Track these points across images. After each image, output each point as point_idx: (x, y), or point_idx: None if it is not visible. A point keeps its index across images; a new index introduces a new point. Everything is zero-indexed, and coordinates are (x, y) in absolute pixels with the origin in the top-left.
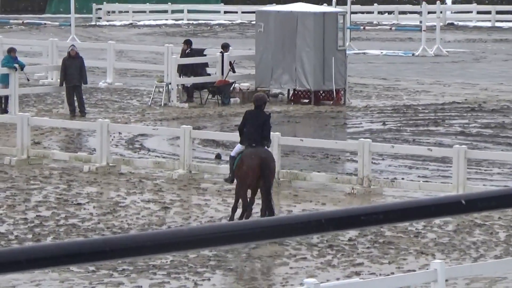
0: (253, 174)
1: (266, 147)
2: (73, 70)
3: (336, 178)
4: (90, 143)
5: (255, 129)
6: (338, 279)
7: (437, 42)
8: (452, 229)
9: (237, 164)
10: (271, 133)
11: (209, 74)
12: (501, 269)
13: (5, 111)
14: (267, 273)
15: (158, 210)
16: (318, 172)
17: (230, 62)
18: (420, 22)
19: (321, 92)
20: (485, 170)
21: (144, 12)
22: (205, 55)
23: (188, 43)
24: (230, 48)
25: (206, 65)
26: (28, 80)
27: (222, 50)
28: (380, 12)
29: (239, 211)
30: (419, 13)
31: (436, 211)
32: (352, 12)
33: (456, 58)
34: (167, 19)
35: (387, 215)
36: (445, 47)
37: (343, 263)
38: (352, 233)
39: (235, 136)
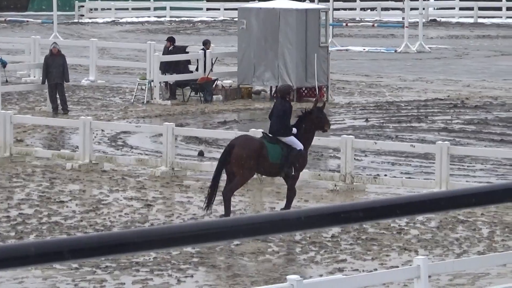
0: (220, 160)
1: (278, 137)
2: (55, 68)
3: (319, 174)
4: (72, 141)
5: (274, 119)
6: (321, 275)
7: (419, 38)
8: (435, 225)
9: None
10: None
11: (191, 71)
12: (484, 265)
13: None
14: (250, 269)
15: (141, 208)
16: None
17: (211, 60)
18: (403, 18)
19: (304, 89)
20: (468, 166)
21: (127, 9)
22: (187, 52)
23: (171, 40)
24: (212, 45)
25: (189, 62)
26: (6, 81)
27: (203, 46)
28: (362, 9)
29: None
30: (402, 9)
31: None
32: (334, 9)
33: (439, 55)
34: (149, 16)
35: (367, 212)
36: (428, 44)
37: (326, 259)
38: (335, 229)
39: (218, 133)
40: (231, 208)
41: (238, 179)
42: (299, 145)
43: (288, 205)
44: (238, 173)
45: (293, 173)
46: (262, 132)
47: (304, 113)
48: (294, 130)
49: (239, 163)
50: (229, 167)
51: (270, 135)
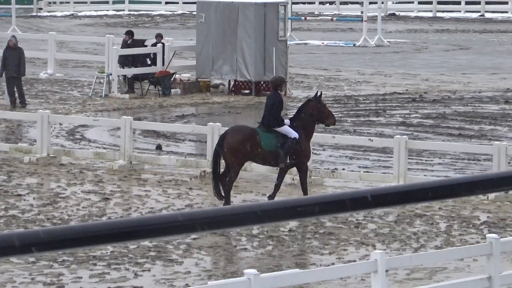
0: (215, 151)
1: (272, 127)
2: (11, 61)
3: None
4: (30, 134)
5: (266, 109)
6: (279, 270)
7: (378, 32)
8: (392, 219)
9: None
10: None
11: (150, 65)
12: (441, 259)
13: None
14: (208, 263)
15: (99, 201)
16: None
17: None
18: (361, 12)
19: (262, 83)
20: (426, 161)
21: (85, 2)
22: (146, 46)
23: (129, 34)
24: (166, 38)
25: (147, 56)
26: None
27: (156, 40)
28: (321, 3)
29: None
30: (361, 3)
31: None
32: (293, 3)
33: (398, 49)
34: (108, 10)
35: (323, 206)
36: (386, 38)
37: (284, 253)
38: (292, 223)
39: (176, 127)
40: (231, 200)
41: (232, 168)
42: (293, 134)
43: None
44: (230, 161)
45: (288, 162)
46: (258, 123)
47: (303, 103)
48: (287, 121)
49: (231, 151)
50: (224, 157)
51: (262, 123)
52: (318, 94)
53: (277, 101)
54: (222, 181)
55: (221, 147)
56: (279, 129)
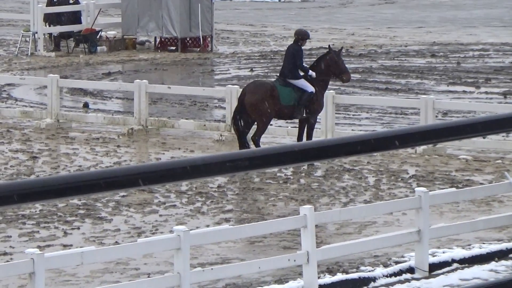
0: (236, 108)
1: (289, 79)
2: None
3: (204, 125)
4: None
5: (284, 61)
6: (207, 226)
7: None
8: (321, 174)
9: None
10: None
11: (75, 23)
12: (370, 213)
13: None
14: (137, 221)
15: (27, 160)
16: (186, 119)
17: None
18: None
19: (188, 39)
20: (353, 115)
21: None
22: (71, 4)
23: None
24: None
25: (75, 13)
26: None
27: None
28: None
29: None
30: None
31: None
32: None
33: (323, 3)
34: None
35: (252, 161)
36: None
37: (213, 210)
38: (221, 179)
39: (103, 84)
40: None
41: (258, 124)
42: (310, 88)
43: None
44: (256, 117)
45: (304, 115)
46: (276, 76)
47: (323, 54)
48: (313, 73)
49: (254, 109)
50: (245, 115)
51: (281, 77)
52: (340, 48)
53: (297, 51)
54: (243, 136)
55: (242, 106)
56: (295, 82)
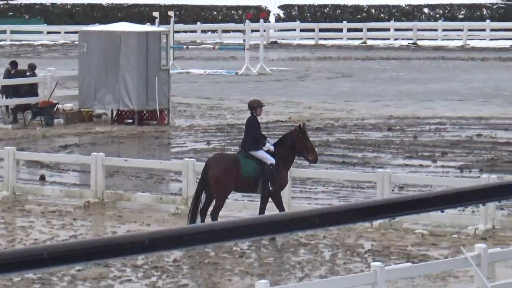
0: (198, 186)
1: (250, 151)
2: None
3: (161, 198)
4: None
5: (244, 133)
6: None
7: (260, 60)
8: (276, 248)
9: None
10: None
11: (32, 95)
12: None
13: None
14: None
15: None
16: (143, 192)
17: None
18: (244, 40)
19: (145, 112)
20: (309, 189)
21: None
22: (28, 76)
23: (13, 64)
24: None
25: (33, 86)
26: None
27: (28, 70)
28: (203, 31)
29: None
30: (243, 31)
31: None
32: (175, 31)
33: (280, 77)
34: None
35: (209, 234)
36: (269, 66)
37: (168, 284)
38: (177, 253)
39: (59, 157)
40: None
41: (217, 198)
42: (270, 159)
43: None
44: (216, 192)
45: (270, 188)
46: (239, 147)
47: (288, 132)
48: (270, 146)
49: (216, 182)
50: (208, 188)
51: (240, 149)
52: (302, 125)
53: (251, 122)
54: (202, 214)
55: (205, 180)
56: (255, 154)
